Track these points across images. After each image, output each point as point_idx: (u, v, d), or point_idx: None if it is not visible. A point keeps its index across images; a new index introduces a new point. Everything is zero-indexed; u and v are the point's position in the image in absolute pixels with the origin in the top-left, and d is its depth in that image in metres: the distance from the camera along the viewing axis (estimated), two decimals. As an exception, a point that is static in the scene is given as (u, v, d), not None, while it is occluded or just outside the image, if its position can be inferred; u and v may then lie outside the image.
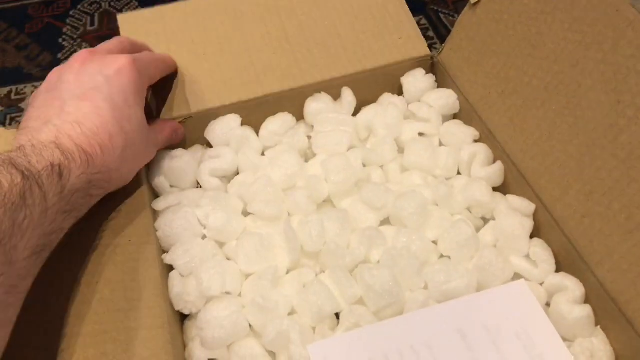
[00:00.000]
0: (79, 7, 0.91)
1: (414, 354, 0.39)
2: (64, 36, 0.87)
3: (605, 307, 0.41)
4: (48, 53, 0.85)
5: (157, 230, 0.46)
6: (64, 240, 0.37)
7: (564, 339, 0.40)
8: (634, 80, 0.39)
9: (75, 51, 0.84)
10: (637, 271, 0.39)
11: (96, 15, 0.89)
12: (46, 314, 0.38)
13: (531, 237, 0.46)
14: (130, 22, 0.55)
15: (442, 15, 0.87)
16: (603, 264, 0.41)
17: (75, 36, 0.87)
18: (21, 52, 0.85)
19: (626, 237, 0.39)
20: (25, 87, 0.80)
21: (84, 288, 0.40)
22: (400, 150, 0.52)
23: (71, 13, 0.91)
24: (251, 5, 0.55)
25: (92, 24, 0.88)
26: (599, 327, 0.41)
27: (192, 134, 0.53)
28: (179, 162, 0.50)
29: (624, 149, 0.40)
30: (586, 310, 0.41)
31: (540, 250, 0.44)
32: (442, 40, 0.58)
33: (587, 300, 0.42)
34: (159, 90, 0.53)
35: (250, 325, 0.42)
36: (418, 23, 0.56)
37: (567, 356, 0.39)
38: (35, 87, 0.79)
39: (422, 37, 0.55)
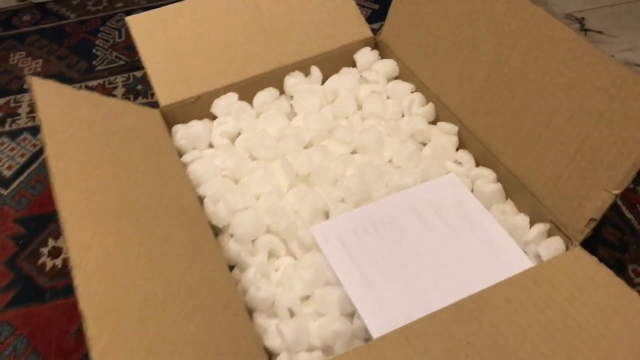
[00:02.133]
0: (107, 24, 1.10)
1: (382, 224, 0.56)
2: (97, 47, 1.05)
3: (511, 184, 0.59)
4: (84, 61, 1.02)
5: (188, 175, 0.63)
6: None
7: (485, 208, 0.58)
8: (506, 28, 0.58)
9: (107, 59, 1.02)
10: (527, 154, 0.57)
11: (122, 29, 1.08)
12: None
13: (457, 150, 0.64)
14: (138, 23, 0.71)
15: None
16: (505, 154, 0.59)
17: (106, 47, 1.05)
18: (62, 61, 1.02)
19: (516, 133, 0.58)
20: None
21: (152, 203, 0.55)
22: (359, 107, 0.71)
23: (101, 29, 1.09)
24: (228, 4, 0.72)
25: (120, 37, 1.06)
26: (508, 199, 0.60)
27: (199, 110, 0.70)
28: (195, 128, 0.67)
29: (506, 75, 0.58)
30: (498, 186, 0.59)
31: (464, 155, 0.63)
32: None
33: (498, 181, 0.60)
34: (164, 77, 0.69)
35: (267, 228, 0.58)
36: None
37: (487, 214, 0.57)
38: (75, 87, 0.95)
39: (366, 22, 0.74)
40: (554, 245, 0.54)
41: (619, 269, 0.65)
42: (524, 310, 0.47)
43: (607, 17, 1.05)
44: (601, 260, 0.49)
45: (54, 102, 0.53)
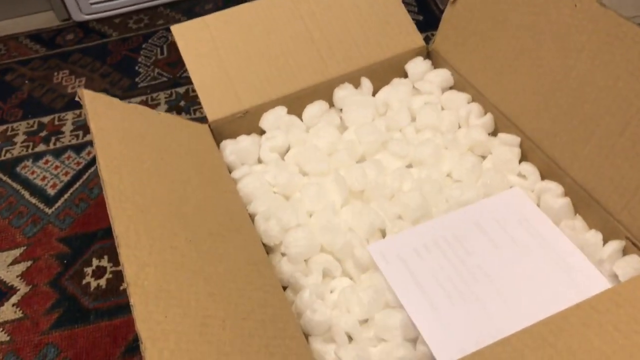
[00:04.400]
0: (149, 41, 1.10)
1: (445, 242, 0.53)
2: (139, 64, 1.04)
3: (580, 198, 0.55)
4: (127, 78, 1.02)
5: (239, 191, 0.61)
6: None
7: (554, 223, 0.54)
8: (574, 34, 0.55)
9: (149, 76, 1.01)
10: (598, 165, 0.53)
11: (164, 46, 1.07)
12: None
13: (520, 162, 0.61)
14: (183, 33, 0.68)
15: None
16: (573, 166, 0.56)
17: (148, 64, 1.04)
18: (105, 79, 1.02)
19: (586, 142, 0.54)
20: (112, 104, 0.97)
21: (206, 219, 0.52)
22: (412, 119, 0.68)
23: (143, 46, 1.09)
24: (278, 11, 0.70)
25: (162, 54, 1.06)
26: (577, 214, 0.56)
27: (248, 124, 0.68)
28: (244, 143, 0.65)
29: (574, 80, 0.55)
30: (566, 200, 0.55)
31: (528, 167, 0.59)
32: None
33: (566, 195, 0.56)
34: (211, 91, 0.67)
35: (321, 246, 0.56)
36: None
37: (557, 231, 0.53)
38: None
39: (418, 31, 0.71)
40: (632, 264, 0.50)
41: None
42: (605, 334, 0.43)
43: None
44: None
45: (105, 115, 0.52)
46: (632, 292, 0.46)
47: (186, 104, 0.96)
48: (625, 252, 0.52)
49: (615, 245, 0.51)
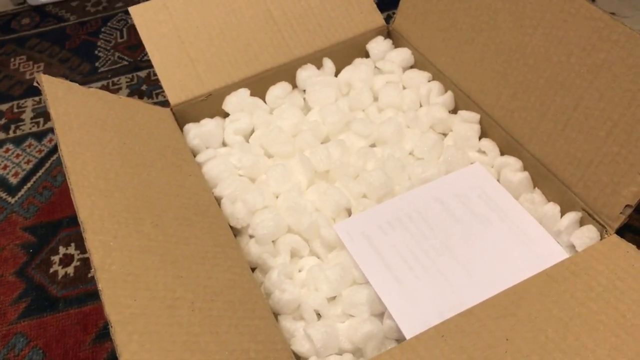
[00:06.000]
0: (108, 24, 1.08)
1: (408, 218, 0.54)
2: (99, 49, 1.03)
3: (538, 171, 0.57)
4: (87, 63, 1.00)
5: (204, 175, 0.61)
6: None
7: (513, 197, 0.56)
8: (528, 8, 0.56)
9: (109, 60, 0.99)
10: (554, 140, 0.55)
11: (124, 29, 1.06)
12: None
13: (480, 138, 0.62)
14: (142, 14, 0.68)
15: None
16: (531, 141, 0.57)
17: (108, 47, 1.02)
18: (64, 64, 1.00)
19: (542, 117, 0.56)
20: (71, 90, 0.95)
21: (171, 203, 0.53)
22: (375, 98, 0.68)
23: (103, 30, 1.07)
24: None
25: (122, 37, 1.04)
26: (536, 188, 0.58)
27: (211, 107, 0.68)
28: (207, 127, 0.65)
29: (530, 57, 0.56)
30: (525, 174, 0.57)
31: (488, 144, 0.60)
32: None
33: (525, 169, 0.58)
34: (172, 74, 0.66)
35: (288, 227, 0.56)
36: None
37: (516, 205, 0.55)
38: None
39: (378, 10, 0.71)
40: (588, 234, 0.52)
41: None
42: (562, 303, 0.45)
43: (618, -1, 1.03)
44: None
45: (65, 100, 0.51)
46: (588, 262, 0.48)
47: (148, 87, 0.95)
48: (581, 223, 0.54)
49: (572, 216, 0.53)
